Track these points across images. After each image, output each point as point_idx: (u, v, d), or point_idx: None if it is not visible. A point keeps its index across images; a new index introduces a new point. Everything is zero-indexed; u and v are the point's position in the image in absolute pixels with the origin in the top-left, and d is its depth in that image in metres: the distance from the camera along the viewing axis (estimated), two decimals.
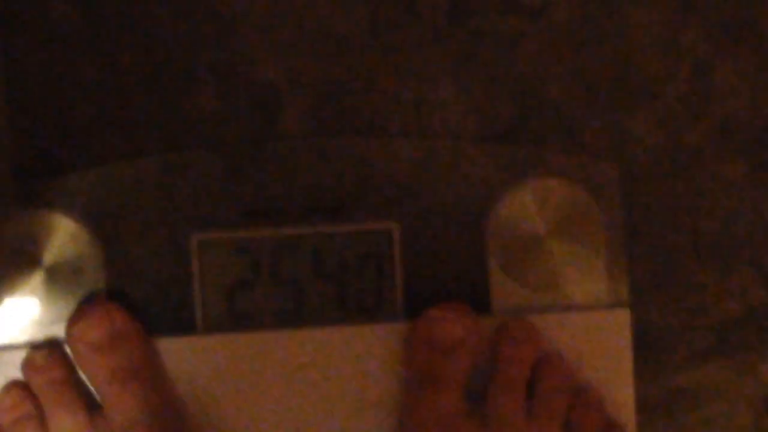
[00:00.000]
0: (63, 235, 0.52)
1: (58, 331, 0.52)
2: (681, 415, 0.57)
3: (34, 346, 0.51)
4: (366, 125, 0.54)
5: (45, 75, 0.54)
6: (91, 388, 0.51)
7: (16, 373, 0.51)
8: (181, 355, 0.52)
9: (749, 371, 0.57)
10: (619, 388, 0.53)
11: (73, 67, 0.54)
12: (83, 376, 0.51)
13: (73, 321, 0.51)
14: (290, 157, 0.53)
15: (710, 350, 0.57)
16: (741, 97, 0.55)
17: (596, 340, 0.53)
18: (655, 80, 0.55)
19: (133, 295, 0.53)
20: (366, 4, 0.54)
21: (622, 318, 0.53)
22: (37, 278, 0.52)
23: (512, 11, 0.54)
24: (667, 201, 0.55)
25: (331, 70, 0.54)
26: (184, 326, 0.53)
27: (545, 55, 0.54)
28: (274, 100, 0.54)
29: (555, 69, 0.55)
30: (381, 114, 0.54)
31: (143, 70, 0.54)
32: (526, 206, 0.53)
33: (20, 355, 0.51)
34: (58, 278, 0.52)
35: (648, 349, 0.56)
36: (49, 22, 0.53)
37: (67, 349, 0.51)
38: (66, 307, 0.52)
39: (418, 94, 0.54)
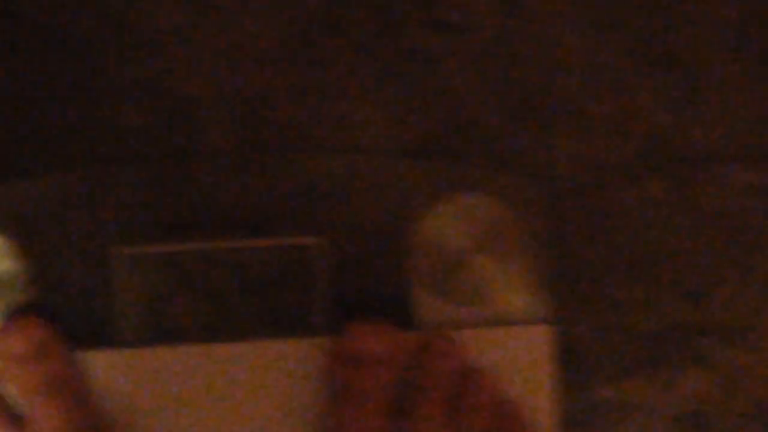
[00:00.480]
0: None
1: None
2: (604, 430, 0.57)
3: None
4: (289, 140, 0.54)
5: None
6: (14, 402, 0.51)
7: None
8: (104, 368, 0.52)
9: (671, 386, 0.57)
10: (541, 402, 0.54)
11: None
12: (6, 390, 0.51)
13: None
14: (214, 171, 0.53)
15: (633, 365, 0.57)
16: (663, 115, 0.56)
17: (519, 355, 0.53)
18: (578, 97, 0.56)
19: (57, 308, 0.52)
20: (292, 21, 0.54)
21: (545, 333, 0.54)
22: None
23: (437, 29, 0.55)
24: (590, 217, 0.56)
25: (255, 85, 0.54)
26: (108, 340, 0.52)
27: (470, 72, 0.55)
28: (197, 115, 0.54)
29: (480, 86, 0.55)
30: (304, 129, 0.54)
31: (67, 82, 0.54)
32: (449, 222, 0.54)
33: None
34: None
35: (573, 363, 0.57)
36: None
37: None
38: None
39: (342, 109, 0.54)
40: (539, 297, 0.54)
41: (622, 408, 0.57)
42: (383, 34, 0.54)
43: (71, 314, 0.52)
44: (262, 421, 0.52)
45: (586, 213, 0.56)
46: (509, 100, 0.55)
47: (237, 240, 0.53)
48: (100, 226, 0.52)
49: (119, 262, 0.52)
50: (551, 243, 0.55)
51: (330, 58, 0.54)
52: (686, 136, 0.56)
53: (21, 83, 0.53)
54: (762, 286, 0.57)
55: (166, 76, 0.54)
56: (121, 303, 0.52)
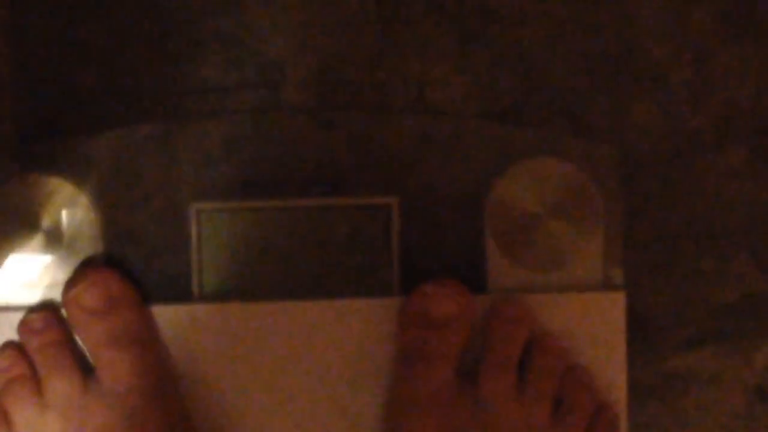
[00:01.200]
0: (63, 200, 0.52)
1: (56, 294, 0.52)
2: (673, 400, 0.57)
3: (31, 309, 0.52)
4: (368, 100, 0.54)
5: (50, 39, 0.54)
6: (87, 352, 0.52)
7: (12, 335, 0.52)
8: (176, 322, 0.52)
9: (743, 358, 0.57)
10: (611, 370, 0.53)
11: (79, 32, 0.54)
12: (79, 340, 0.52)
13: (70, 285, 0.51)
14: (292, 129, 0.53)
15: (705, 336, 0.57)
16: (744, 84, 0.55)
17: (590, 322, 0.53)
18: (659, 65, 0.55)
19: (131, 262, 0.53)
20: None
21: (617, 301, 0.53)
22: (35, 241, 0.52)
23: None
24: (666, 186, 0.56)
25: (336, 45, 0.54)
26: (180, 294, 0.53)
27: (550, 36, 0.55)
28: (278, 72, 0.54)
29: (559, 50, 0.55)
30: (384, 89, 0.54)
31: (149, 37, 0.54)
32: (525, 186, 0.53)
33: (17, 317, 0.52)
34: (56, 242, 0.52)
35: (642, 332, 0.56)
36: None
37: (64, 313, 0.51)
38: (64, 270, 0.52)
39: (422, 70, 0.54)
40: (612, 264, 0.54)
41: (692, 378, 0.57)
42: None
43: (145, 268, 0.53)
44: (331, 379, 0.53)
45: (663, 181, 0.56)
46: (589, 66, 0.55)
47: (313, 198, 0.53)
48: (178, 180, 0.53)
49: (195, 218, 0.52)
50: (626, 211, 0.55)
51: (412, 18, 0.54)
52: (766, 105, 0.55)
53: (105, 36, 0.54)
54: None
55: (246, 33, 0.54)
56: (194, 259, 0.53)
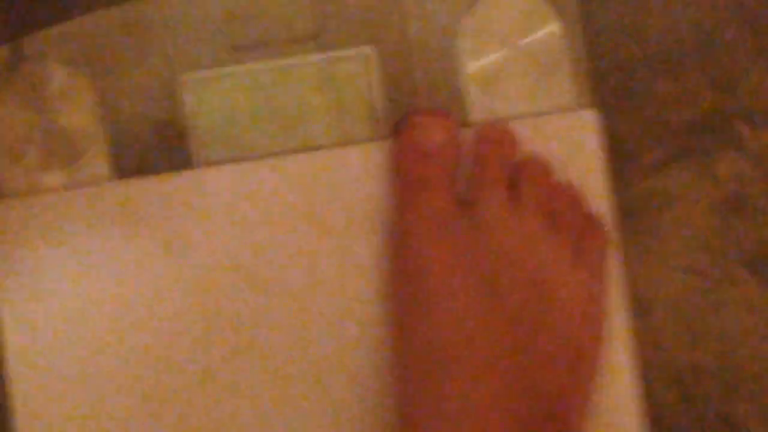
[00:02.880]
0: (60, 84, 0.55)
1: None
2: (650, 218, 0.60)
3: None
4: None
5: None
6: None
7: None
8: (185, 188, 0.55)
9: (708, 173, 0.61)
10: (595, 189, 0.57)
11: None
12: None
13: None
14: None
15: (671, 156, 0.60)
16: None
17: (570, 141, 0.56)
18: None
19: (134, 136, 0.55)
20: None
21: (591, 118, 0.57)
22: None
23: None
24: (618, 18, 0.59)
25: None
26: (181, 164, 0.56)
27: None
28: None
29: None
30: None
31: None
32: (492, 21, 0.57)
33: None
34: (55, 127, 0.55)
35: (615, 157, 0.60)
36: None
37: None
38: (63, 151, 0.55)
39: None
40: (582, 91, 0.57)
41: (665, 197, 0.60)
42: None
43: (147, 141, 0.55)
44: (336, 228, 0.55)
45: (613, 14, 0.59)
46: None
47: (295, 57, 0.56)
48: (163, 54, 0.55)
49: (190, 87, 0.55)
50: (587, 43, 0.59)
51: None
52: None
53: None
54: None
55: None
56: (192, 126, 0.55)
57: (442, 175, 0.54)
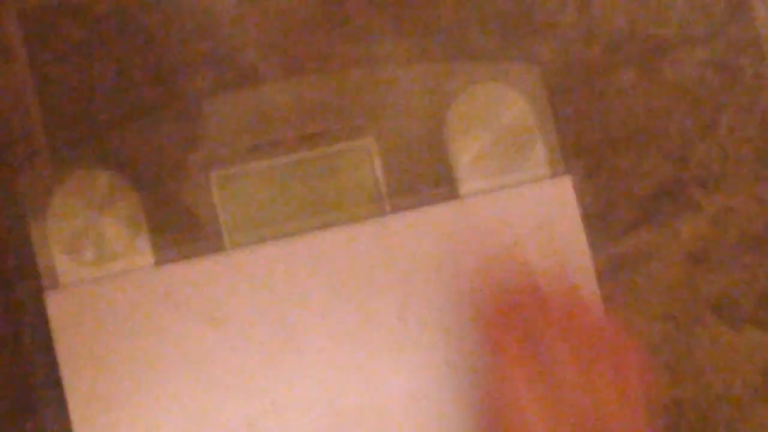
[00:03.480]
0: (105, 187, 0.64)
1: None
2: (626, 275, 0.68)
3: None
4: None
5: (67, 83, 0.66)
6: None
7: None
8: (216, 271, 0.63)
9: (672, 233, 0.69)
10: (578, 243, 0.64)
11: (90, 73, 0.66)
12: None
13: None
14: (272, 102, 0.65)
15: (638, 220, 0.68)
16: (620, 19, 0.70)
17: (550, 206, 0.64)
18: (551, 14, 0.69)
19: (175, 230, 0.64)
20: None
21: (568, 183, 0.65)
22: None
23: None
24: (581, 107, 0.69)
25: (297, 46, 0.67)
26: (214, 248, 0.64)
27: (468, 4, 0.69)
28: (254, 75, 0.67)
29: (474, 15, 0.68)
30: (336, 62, 0.67)
31: (149, 65, 0.66)
32: (476, 109, 0.66)
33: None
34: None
35: (588, 225, 0.67)
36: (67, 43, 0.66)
37: None
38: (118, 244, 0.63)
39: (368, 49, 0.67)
40: (555, 165, 0.66)
41: (637, 256, 0.68)
42: None
43: (184, 231, 0.64)
44: (353, 292, 0.64)
45: (576, 101, 0.69)
46: (501, 26, 0.69)
47: (305, 152, 0.65)
48: (196, 154, 0.64)
49: (219, 182, 0.64)
50: (557, 128, 0.68)
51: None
52: (641, 33, 0.69)
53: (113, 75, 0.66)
54: (726, 140, 0.70)
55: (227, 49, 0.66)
56: (223, 216, 0.64)
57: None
